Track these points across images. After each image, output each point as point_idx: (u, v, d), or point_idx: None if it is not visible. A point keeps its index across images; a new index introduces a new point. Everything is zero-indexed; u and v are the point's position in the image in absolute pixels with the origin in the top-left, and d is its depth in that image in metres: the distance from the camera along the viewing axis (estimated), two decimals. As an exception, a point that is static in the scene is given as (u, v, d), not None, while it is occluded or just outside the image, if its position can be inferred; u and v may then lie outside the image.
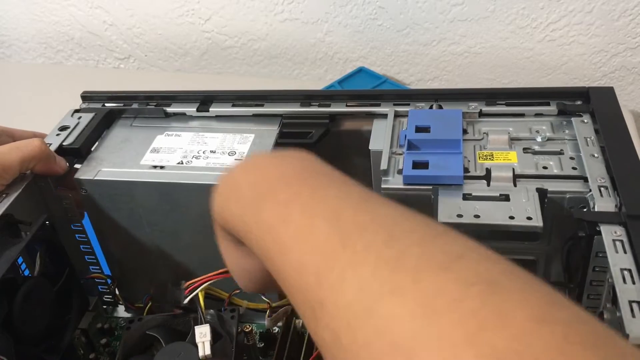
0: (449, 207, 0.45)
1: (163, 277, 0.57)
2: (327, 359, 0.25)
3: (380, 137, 0.52)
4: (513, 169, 0.48)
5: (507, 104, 0.54)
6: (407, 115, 0.54)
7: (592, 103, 0.52)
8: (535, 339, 0.20)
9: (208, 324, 0.46)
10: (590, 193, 0.44)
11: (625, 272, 0.38)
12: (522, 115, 0.54)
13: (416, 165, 0.48)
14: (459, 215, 0.44)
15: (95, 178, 0.53)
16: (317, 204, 0.29)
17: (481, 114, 0.54)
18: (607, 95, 0.53)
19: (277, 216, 0.29)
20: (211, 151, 0.55)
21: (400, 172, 0.48)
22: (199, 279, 0.48)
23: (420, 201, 0.48)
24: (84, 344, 0.57)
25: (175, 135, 0.57)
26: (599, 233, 0.41)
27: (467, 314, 0.21)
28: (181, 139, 0.57)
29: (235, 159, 0.53)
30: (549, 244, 0.48)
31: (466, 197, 0.46)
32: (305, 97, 0.58)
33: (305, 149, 0.59)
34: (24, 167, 0.50)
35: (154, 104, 0.60)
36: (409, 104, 0.56)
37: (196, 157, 0.54)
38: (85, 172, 0.54)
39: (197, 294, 0.48)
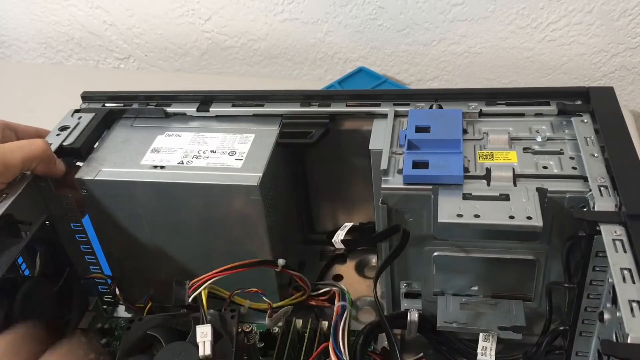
0: (449, 206, 0.45)
1: (163, 277, 0.57)
2: None
3: (380, 137, 0.52)
4: (513, 169, 0.48)
5: (507, 104, 0.54)
6: (407, 115, 0.54)
7: (592, 103, 0.52)
8: None
9: (210, 324, 0.46)
10: (590, 193, 0.44)
11: (625, 272, 0.38)
12: (522, 115, 0.54)
13: (416, 165, 0.48)
14: (459, 215, 0.44)
15: (96, 178, 0.53)
16: None
17: (481, 114, 0.54)
18: (607, 95, 0.53)
19: None
20: (211, 151, 0.55)
21: (400, 171, 0.48)
22: (203, 276, 0.48)
23: (420, 201, 0.48)
24: (84, 344, 0.57)
25: (176, 135, 0.57)
26: (599, 233, 0.41)
27: None
28: (181, 139, 0.57)
29: (236, 159, 0.53)
30: (549, 243, 0.48)
31: (466, 196, 0.46)
32: (305, 97, 0.58)
33: (305, 148, 0.59)
34: (25, 166, 0.50)
35: (154, 104, 0.60)
36: (409, 104, 0.56)
37: (196, 157, 0.54)
38: (86, 172, 0.54)
39: (200, 292, 0.48)
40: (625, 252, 0.39)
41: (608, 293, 0.41)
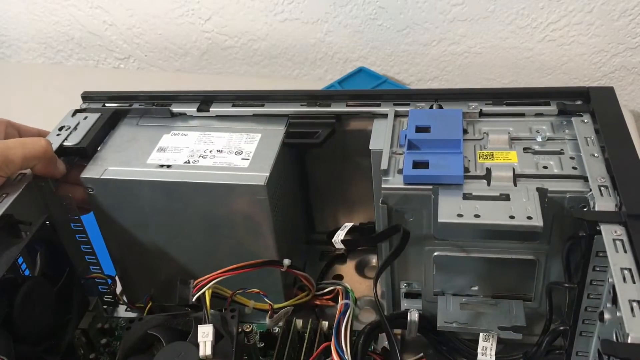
0: (449, 206, 0.45)
1: (167, 276, 0.57)
2: None
3: (380, 137, 0.52)
4: (513, 169, 0.48)
5: (507, 104, 0.54)
6: (407, 115, 0.54)
7: (592, 103, 0.52)
8: None
9: (211, 324, 0.46)
10: (591, 192, 0.44)
11: (626, 272, 0.38)
12: (522, 115, 0.54)
13: (416, 165, 0.48)
14: (459, 215, 0.44)
15: (102, 177, 0.53)
16: None
17: (481, 114, 0.54)
18: (607, 95, 0.53)
19: None
20: (218, 150, 0.55)
21: (400, 171, 0.48)
22: (208, 276, 0.48)
23: (420, 201, 0.48)
24: (84, 344, 0.57)
25: (182, 134, 0.57)
26: (599, 232, 0.41)
27: None
28: (188, 139, 0.56)
29: (242, 159, 0.53)
30: (549, 243, 0.48)
31: (466, 196, 0.46)
32: (305, 97, 0.58)
33: (311, 148, 0.59)
34: (25, 164, 0.50)
35: (157, 104, 0.60)
36: (409, 104, 0.56)
37: (203, 157, 0.54)
38: (92, 172, 0.54)
39: (204, 292, 0.48)
40: (625, 252, 0.39)
41: (608, 293, 0.41)
